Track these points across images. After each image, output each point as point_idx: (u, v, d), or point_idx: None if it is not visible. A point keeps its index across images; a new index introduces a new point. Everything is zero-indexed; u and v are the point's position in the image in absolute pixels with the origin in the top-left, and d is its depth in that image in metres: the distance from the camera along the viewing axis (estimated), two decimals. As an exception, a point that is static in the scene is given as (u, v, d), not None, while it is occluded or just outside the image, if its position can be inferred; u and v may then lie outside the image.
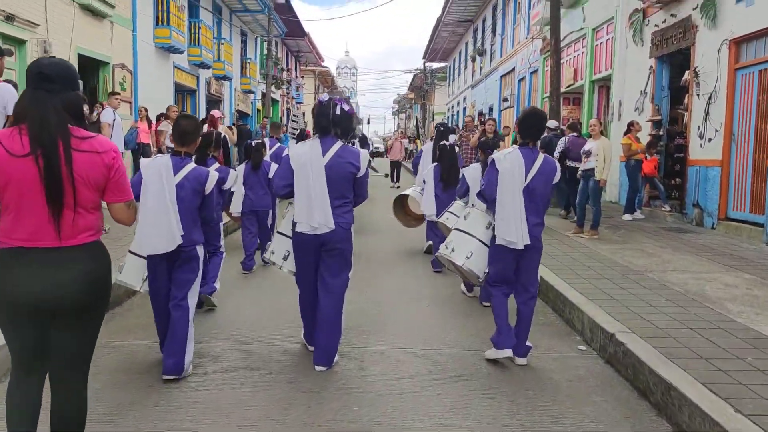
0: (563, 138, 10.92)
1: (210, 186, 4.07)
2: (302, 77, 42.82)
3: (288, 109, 25.42)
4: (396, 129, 60.49)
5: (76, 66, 11.84)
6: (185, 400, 3.61)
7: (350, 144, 5.27)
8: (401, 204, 9.24)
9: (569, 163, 10.30)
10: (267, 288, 6.40)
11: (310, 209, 3.98)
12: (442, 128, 7.77)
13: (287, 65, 37.89)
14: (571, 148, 10.39)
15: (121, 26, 13.76)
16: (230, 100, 23.81)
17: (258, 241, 7.18)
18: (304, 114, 24.01)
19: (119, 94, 10.85)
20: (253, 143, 7.48)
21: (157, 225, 3.82)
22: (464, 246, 4.52)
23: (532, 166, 4.19)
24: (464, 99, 36.43)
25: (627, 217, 10.69)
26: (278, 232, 4.60)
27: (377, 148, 40.60)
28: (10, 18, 9.60)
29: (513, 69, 24.06)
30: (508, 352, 4.25)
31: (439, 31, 34.36)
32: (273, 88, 31.27)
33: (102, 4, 12.52)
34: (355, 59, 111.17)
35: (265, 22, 24.53)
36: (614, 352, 4.33)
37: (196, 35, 18.46)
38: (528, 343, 4.36)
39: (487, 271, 4.47)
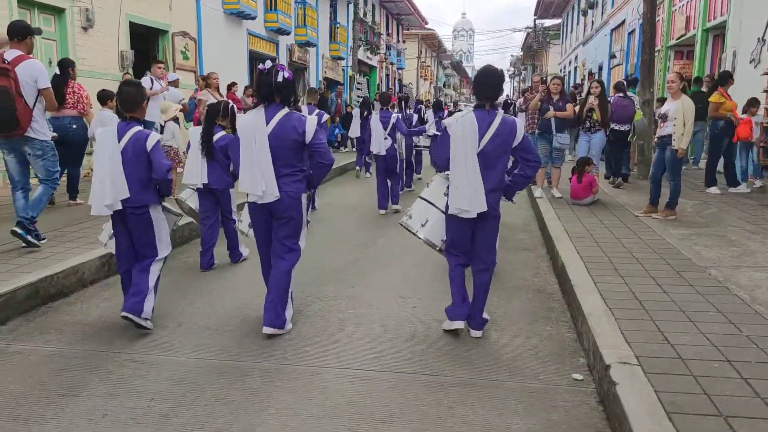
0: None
1: (150, 145, 4.12)
2: (404, 42, 41.58)
3: (355, 74, 24.39)
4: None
5: (128, 34, 11.68)
6: (15, 437, 2.92)
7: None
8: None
9: (613, 125, 9.20)
10: (243, 282, 5.62)
11: (254, 178, 3.96)
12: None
13: (387, 30, 36.85)
14: (615, 110, 9.15)
15: (182, -9, 13.41)
16: (317, 68, 23.24)
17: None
18: (368, 81, 22.96)
19: (162, 62, 10.44)
20: None
21: (100, 185, 4.03)
22: (422, 214, 4.34)
23: (488, 129, 3.89)
24: (575, 58, 33.82)
25: (713, 190, 8.97)
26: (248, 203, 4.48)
27: None
28: (44, -15, 9.35)
29: (623, 22, 21.68)
30: (459, 324, 4.10)
31: (549, -17, 31.91)
32: (369, 53, 30.53)
33: (157, -30, 12.18)
34: (473, 21, 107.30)
35: (353, -16, 23.61)
36: (607, 392, 3.16)
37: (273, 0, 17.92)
38: (485, 316, 4.18)
39: (444, 239, 4.24)
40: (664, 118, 7.22)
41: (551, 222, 7.15)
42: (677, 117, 6.95)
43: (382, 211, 8.76)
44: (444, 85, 69.52)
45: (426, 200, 4.39)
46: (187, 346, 3.98)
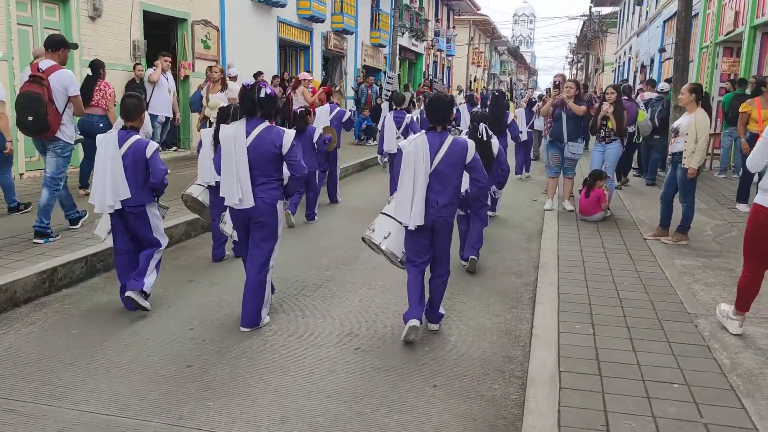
0: None
1: (150, 152, 4.63)
2: (454, 27, 40.55)
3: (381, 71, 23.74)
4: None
5: (141, 23, 11.43)
6: None
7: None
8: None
9: None
10: (190, 309, 5.30)
11: (232, 186, 4.32)
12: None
13: (437, 16, 35.99)
14: None
15: (203, -22, 13.09)
16: (355, 56, 22.76)
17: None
18: (399, 75, 22.23)
19: (168, 54, 10.20)
20: (299, 110, 8.00)
21: (102, 187, 4.57)
22: (384, 227, 4.52)
23: (439, 149, 4.21)
24: (629, 48, 32.30)
25: (742, 207, 8.20)
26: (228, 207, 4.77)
27: None
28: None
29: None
30: (415, 322, 4.26)
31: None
32: (414, 40, 29.87)
33: (174, -44, 11.88)
34: (535, 6, 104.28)
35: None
36: (512, 495, 2.66)
37: (305, -14, 17.51)
38: (441, 311, 4.59)
39: (404, 251, 4.48)
40: (676, 132, 6.51)
41: (546, 243, 6.59)
42: (689, 133, 6.24)
43: None
44: (500, 72, 67.92)
45: (386, 214, 4.57)
46: (81, 392, 3.61)
